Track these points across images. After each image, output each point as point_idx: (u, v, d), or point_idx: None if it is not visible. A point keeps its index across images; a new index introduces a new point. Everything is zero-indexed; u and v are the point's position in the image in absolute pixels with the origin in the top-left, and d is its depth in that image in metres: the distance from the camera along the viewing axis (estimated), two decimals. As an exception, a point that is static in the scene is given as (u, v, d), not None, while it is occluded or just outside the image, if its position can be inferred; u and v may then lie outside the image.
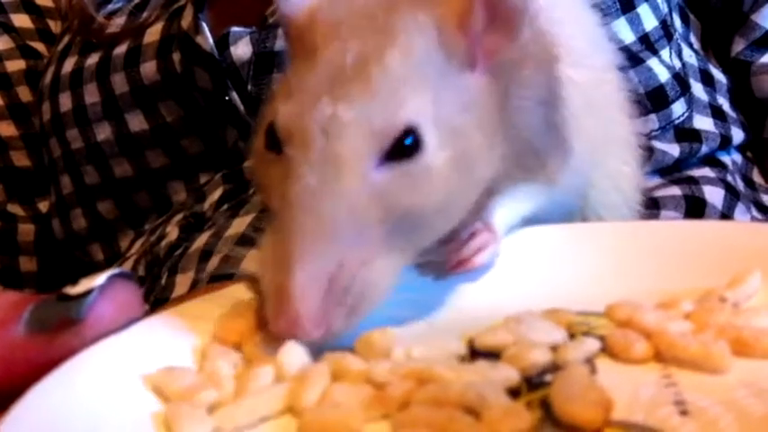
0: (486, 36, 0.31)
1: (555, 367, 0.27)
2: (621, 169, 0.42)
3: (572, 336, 0.29)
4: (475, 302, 0.33)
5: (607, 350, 0.28)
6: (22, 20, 0.72)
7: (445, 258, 0.33)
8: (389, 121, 0.28)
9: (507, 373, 0.26)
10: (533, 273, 0.34)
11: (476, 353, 0.29)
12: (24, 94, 0.71)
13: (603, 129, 0.41)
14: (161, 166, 0.61)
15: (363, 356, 0.28)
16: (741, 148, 0.63)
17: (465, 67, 0.31)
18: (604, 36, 0.45)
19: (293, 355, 0.28)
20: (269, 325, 0.28)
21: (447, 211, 0.30)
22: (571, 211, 0.41)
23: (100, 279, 0.29)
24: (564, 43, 0.37)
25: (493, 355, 0.28)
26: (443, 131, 0.29)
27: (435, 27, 0.30)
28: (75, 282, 0.30)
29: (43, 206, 0.70)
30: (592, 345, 0.28)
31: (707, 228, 0.35)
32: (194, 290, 0.52)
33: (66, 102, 0.64)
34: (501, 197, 0.34)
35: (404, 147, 0.29)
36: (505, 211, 0.35)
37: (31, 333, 0.29)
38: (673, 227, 0.36)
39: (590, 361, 0.28)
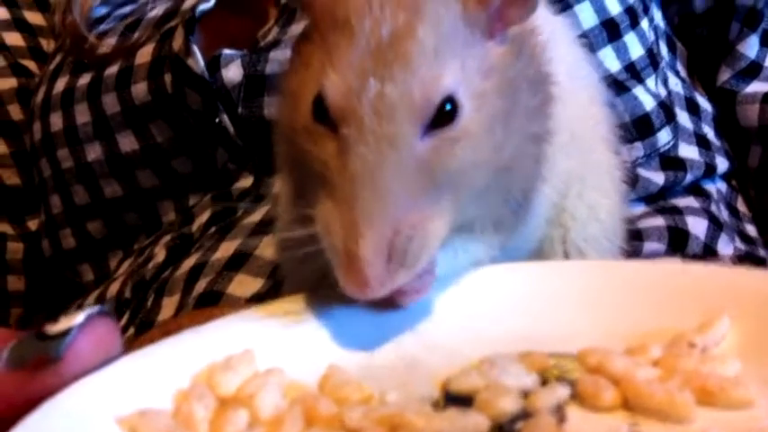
0: (504, 8, 0.34)
1: (526, 414, 0.28)
2: (601, 202, 0.43)
3: (544, 380, 0.30)
4: (450, 339, 0.33)
5: (577, 397, 0.28)
6: (14, 38, 0.72)
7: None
8: (430, 94, 0.31)
9: (478, 421, 0.27)
10: (508, 309, 0.34)
11: (449, 397, 0.29)
12: (15, 112, 0.71)
13: (585, 162, 0.42)
14: (151, 187, 0.62)
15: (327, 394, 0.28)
16: (726, 177, 0.63)
17: (485, 37, 0.34)
18: (589, 72, 0.45)
19: (267, 398, 0.28)
20: (339, 287, 0.31)
21: (482, 169, 0.33)
22: (545, 240, 0.42)
23: (79, 318, 0.29)
24: (554, 77, 0.38)
25: (466, 399, 0.29)
26: (473, 96, 0.33)
27: (459, 0, 0.33)
28: (54, 320, 0.30)
29: (33, 224, 0.70)
30: (562, 392, 0.28)
31: (678, 270, 0.36)
32: (180, 313, 0.52)
33: (57, 121, 0.64)
34: (456, 241, 0.35)
35: (444, 114, 0.32)
36: (453, 255, 0.36)
37: (9, 370, 0.29)
38: (645, 268, 0.36)
39: (560, 408, 0.28)
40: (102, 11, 0.67)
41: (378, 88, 0.31)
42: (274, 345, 0.33)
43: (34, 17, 0.74)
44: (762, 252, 0.61)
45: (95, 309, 0.30)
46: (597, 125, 0.44)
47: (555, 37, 0.40)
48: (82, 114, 0.63)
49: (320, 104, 0.32)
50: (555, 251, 0.42)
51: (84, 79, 0.63)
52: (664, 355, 0.30)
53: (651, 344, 0.30)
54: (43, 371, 0.29)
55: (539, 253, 0.42)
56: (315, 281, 0.36)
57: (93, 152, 0.63)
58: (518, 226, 0.38)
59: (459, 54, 0.33)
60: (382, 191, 0.31)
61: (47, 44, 0.73)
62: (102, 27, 0.66)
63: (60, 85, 0.65)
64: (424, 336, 0.34)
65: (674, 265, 0.41)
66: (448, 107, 0.32)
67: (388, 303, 0.34)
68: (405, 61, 0.31)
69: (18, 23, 0.73)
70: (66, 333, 0.29)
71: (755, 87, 0.64)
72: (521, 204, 0.37)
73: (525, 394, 0.28)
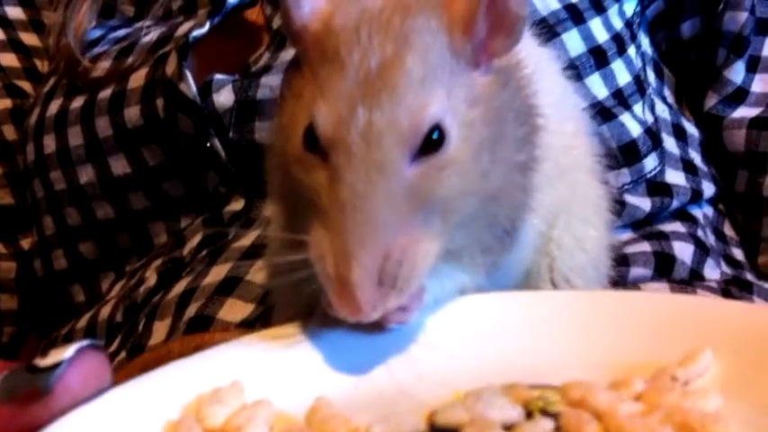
0: (489, 39, 0.35)
1: (509, 449, 0.28)
2: (588, 232, 0.44)
3: (529, 413, 0.30)
4: (437, 368, 0.34)
5: (560, 430, 0.29)
6: (8, 59, 0.73)
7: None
8: (417, 122, 0.32)
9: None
10: (494, 339, 0.35)
11: (435, 430, 0.30)
12: (9, 132, 0.71)
13: (571, 193, 0.43)
14: (143, 209, 0.62)
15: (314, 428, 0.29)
16: (713, 201, 0.64)
17: (471, 67, 0.35)
18: (575, 103, 0.46)
19: (255, 431, 0.28)
20: (331, 310, 0.32)
21: (469, 195, 0.34)
22: (532, 268, 0.42)
23: (69, 351, 0.30)
24: (540, 109, 0.39)
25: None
26: (460, 125, 0.33)
27: (445, 31, 0.34)
28: (45, 353, 0.31)
29: (25, 243, 0.70)
30: (546, 425, 0.29)
31: (663, 301, 0.36)
32: (171, 338, 0.53)
33: (50, 143, 0.64)
34: (443, 268, 0.36)
35: (431, 142, 0.33)
36: (439, 282, 0.36)
37: (0, 402, 0.30)
38: (630, 299, 0.37)
39: (544, 442, 0.28)
40: (97, 33, 0.68)
41: (366, 117, 0.32)
42: (263, 374, 0.34)
43: (29, 38, 0.74)
44: (749, 276, 0.62)
45: (86, 342, 0.31)
46: (583, 156, 0.44)
47: (541, 69, 0.41)
48: (75, 137, 0.63)
49: (311, 134, 0.33)
50: (542, 278, 0.43)
51: (78, 102, 0.64)
52: (646, 390, 0.30)
53: (634, 377, 0.31)
54: (33, 404, 0.29)
55: (526, 280, 0.43)
56: (305, 306, 0.37)
57: (86, 174, 0.63)
58: (505, 254, 0.38)
59: (446, 83, 0.34)
60: (372, 216, 0.32)
61: (42, 65, 0.74)
62: (96, 50, 0.66)
63: (54, 107, 0.65)
64: (411, 365, 0.34)
65: (659, 296, 0.41)
66: (435, 135, 0.33)
67: (375, 326, 0.34)
68: (392, 90, 0.32)
69: (13, 44, 0.74)
70: (56, 366, 0.30)
71: (742, 113, 0.65)
72: (507, 233, 0.37)
73: (510, 427, 0.29)
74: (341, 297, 0.32)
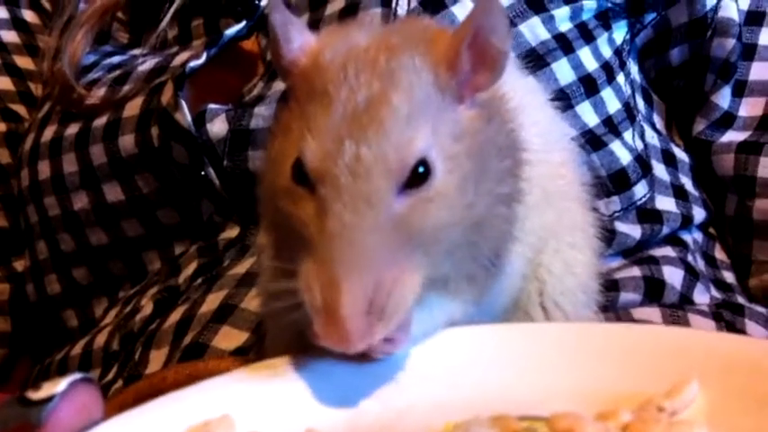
0: (473, 74, 0.35)
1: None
2: (577, 257, 0.44)
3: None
4: (425, 400, 0.34)
5: (550, 464, 0.29)
6: (3, 82, 0.73)
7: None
8: (404, 157, 0.33)
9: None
10: (480, 370, 0.36)
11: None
12: (4, 156, 0.72)
13: (559, 220, 0.43)
14: (136, 236, 0.63)
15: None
16: (703, 226, 0.64)
17: (456, 102, 0.35)
18: (563, 134, 0.47)
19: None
20: (318, 341, 0.33)
21: (455, 227, 0.35)
22: (522, 293, 0.43)
23: (62, 385, 0.30)
24: (525, 141, 0.40)
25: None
26: (446, 159, 0.34)
27: (430, 68, 0.35)
28: (37, 385, 0.31)
29: (19, 265, 0.71)
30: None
31: (648, 332, 0.37)
32: (167, 366, 0.53)
33: (44, 169, 0.65)
34: (431, 298, 0.36)
35: (417, 176, 0.33)
36: (429, 312, 0.37)
37: None
38: (616, 330, 0.37)
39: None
40: (91, 59, 0.68)
41: (354, 150, 0.33)
42: (253, 407, 0.34)
43: (24, 62, 0.75)
44: (740, 299, 0.62)
45: (78, 375, 0.31)
46: (570, 184, 0.45)
47: (527, 101, 0.41)
48: (69, 164, 0.64)
49: (299, 168, 0.34)
50: (532, 303, 0.43)
51: (73, 129, 0.64)
52: (633, 421, 0.31)
53: (621, 408, 0.31)
54: (25, 437, 0.30)
55: (516, 306, 0.43)
56: (296, 333, 0.37)
57: (80, 201, 0.63)
58: (491, 283, 0.39)
59: (431, 119, 0.34)
60: (360, 248, 0.32)
61: (36, 89, 0.74)
62: (91, 76, 0.67)
63: (48, 133, 0.66)
64: (401, 396, 0.35)
65: (644, 328, 0.42)
66: (421, 169, 0.33)
67: (363, 357, 0.35)
68: (379, 126, 0.33)
69: (8, 68, 0.74)
70: (48, 400, 0.30)
71: (730, 137, 0.66)
72: (492, 262, 0.38)
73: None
74: (328, 327, 0.32)
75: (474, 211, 0.35)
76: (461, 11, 0.57)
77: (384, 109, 0.33)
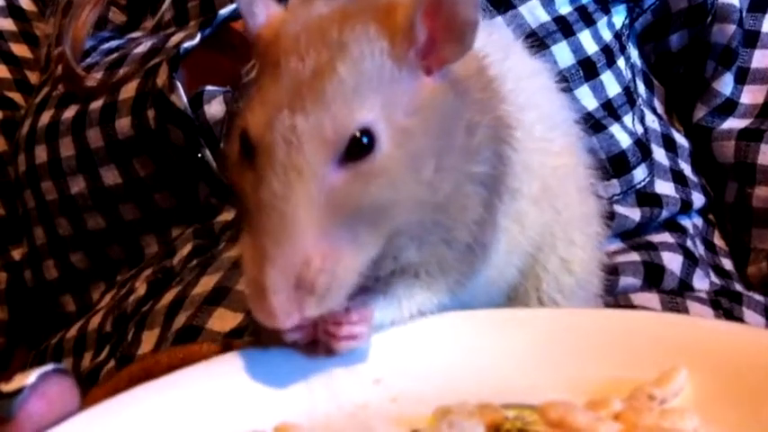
0: (439, 45, 0.34)
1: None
2: (575, 254, 0.42)
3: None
4: (412, 389, 0.34)
5: (538, 453, 0.29)
6: None
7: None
8: (342, 127, 0.32)
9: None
10: (467, 359, 0.35)
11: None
12: (0, 144, 0.71)
13: (557, 214, 0.42)
14: (133, 220, 0.62)
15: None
16: (702, 212, 0.64)
17: (416, 74, 0.34)
18: (565, 119, 0.44)
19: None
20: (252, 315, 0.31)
21: (404, 207, 0.33)
22: (519, 289, 0.42)
23: (31, 378, 0.30)
24: (525, 128, 0.39)
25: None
26: (395, 132, 0.32)
27: (386, 39, 0.33)
28: (9, 378, 0.31)
29: (16, 254, 0.70)
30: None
31: (638, 318, 0.36)
32: (160, 348, 0.52)
33: (41, 154, 0.64)
34: (399, 287, 0.36)
35: (360, 147, 0.32)
36: (396, 302, 0.36)
37: None
38: (605, 316, 0.37)
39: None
40: (88, 44, 0.68)
41: (290, 119, 0.32)
42: (228, 401, 0.33)
43: (20, 49, 0.74)
44: (738, 286, 0.62)
45: (50, 367, 0.31)
46: (572, 173, 0.43)
47: (528, 84, 0.40)
48: (66, 148, 0.63)
49: (245, 139, 0.33)
50: (530, 299, 0.42)
51: (69, 113, 0.64)
52: (624, 409, 0.30)
53: (612, 397, 0.31)
54: (-4, 429, 0.29)
55: (512, 301, 0.42)
56: None
57: (77, 185, 0.63)
58: (470, 273, 0.37)
59: (383, 90, 0.33)
60: (289, 220, 0.31)
61: (32, 76, 0.74)
62: (88, 60, 0.67)
63: (45, 118, 0.65)
64: (383, 386, 0.34)
65: (634, 314, 0.41)
66: (364, 140, 0.32)
67: (327, 350, 0.34)
68: (319, 95, 0.32)
69: (4, 56, 0.74)
70: (18, 392, 0.30)
71: (731, 124, 0.65)
72: (472, 250, 0.36)
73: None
74: (256, 301, 0.31)
75: (435, 191, 0.33)
76: None
77: (328, 79, 0.32)
